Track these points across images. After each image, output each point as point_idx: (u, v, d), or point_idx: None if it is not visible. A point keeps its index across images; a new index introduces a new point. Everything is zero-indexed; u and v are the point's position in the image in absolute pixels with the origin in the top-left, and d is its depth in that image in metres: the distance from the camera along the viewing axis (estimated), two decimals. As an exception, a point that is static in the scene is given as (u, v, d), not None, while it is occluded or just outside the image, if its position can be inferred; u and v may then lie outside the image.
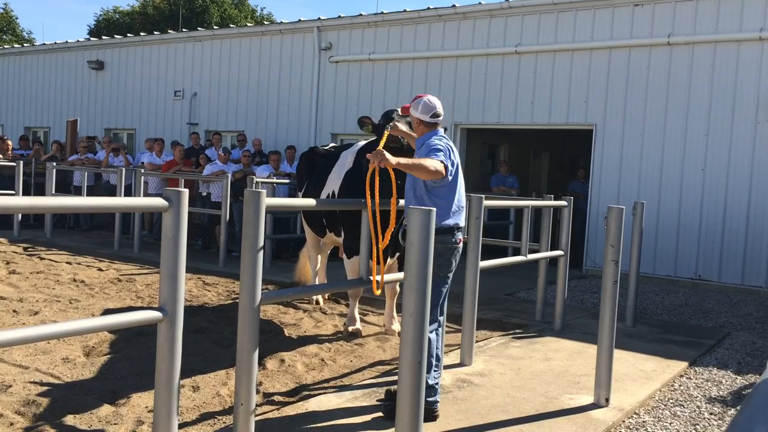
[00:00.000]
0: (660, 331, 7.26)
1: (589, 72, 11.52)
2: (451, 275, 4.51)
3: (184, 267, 3.09)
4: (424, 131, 4.58)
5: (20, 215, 12.37)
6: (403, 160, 4.21)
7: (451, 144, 4.55)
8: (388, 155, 4.16)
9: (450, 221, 4.42)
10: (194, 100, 16.48)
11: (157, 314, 3.03)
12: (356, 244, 5.34)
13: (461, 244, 4.53)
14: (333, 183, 6.68)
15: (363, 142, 6.61)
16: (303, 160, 7.94)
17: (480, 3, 12.46)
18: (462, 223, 4.53)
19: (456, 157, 4.49)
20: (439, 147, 4.35)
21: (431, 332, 4.30)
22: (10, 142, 14.96)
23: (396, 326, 6.55)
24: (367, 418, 4.25)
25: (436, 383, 4.33)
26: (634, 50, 11.15)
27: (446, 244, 4.36)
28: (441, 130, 4.62)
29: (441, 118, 4.60)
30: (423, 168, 4.19)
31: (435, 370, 4.36)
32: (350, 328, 6.55)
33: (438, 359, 4.46)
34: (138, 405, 4.39)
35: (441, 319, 4.55)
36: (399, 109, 5.28)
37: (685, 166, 10.74)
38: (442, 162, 4.25)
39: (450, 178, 4.37)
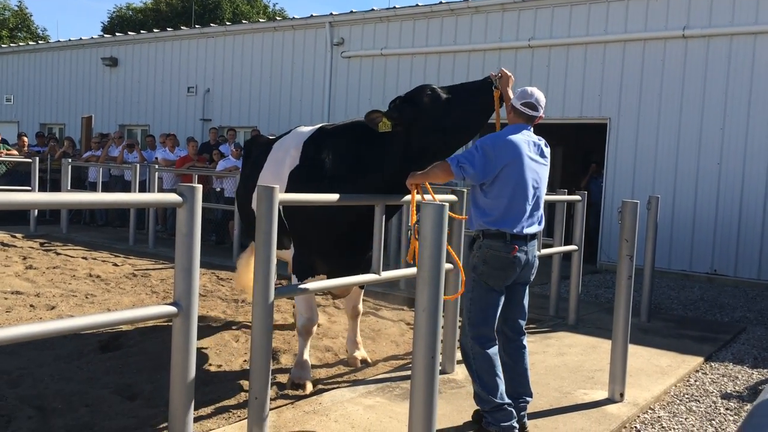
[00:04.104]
0: (675, 326, 7.21)
1: (603, 65, 11.44)
2: (505, 290, 4.04)
3: (199, 262, 3.11)
4: (511, 121, 4.07)
5: (36, 211, 12.50)
6: (419, 174, 4.15)
7: (515, 145, 3.91)
8: (411, 177, 4.16)
9: (498, 226, 3.87)
10: (207, 96, 16.55)
11: (172, 309, 3.05)
12: (312, 261, 4.74)
13: (521, 255, 3.92)
14: (269, 183, 5.37)
15: (307, 128, 5.10)
16: (244, 151, 6.69)
17: (493, -3, 12.42)
18: (520, 230, 3.89)
19: (511, 159, 3.89)
20: (473, 149, 3.89)
21: (487, 349, 3.93)
22: (26, 139, 15.10)
23: (360, 353, 5.47)
24: (381, 412, 4.26)
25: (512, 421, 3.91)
26: (648, 43, 11.06)
27: (494, 250, 3.88)
28: (528, 128, 4.02)
29: (535, 112, 3.98)
30: (431, 176, 4.09)
31: (520, 406, 4.04)
32: (296, 380, 4.76)
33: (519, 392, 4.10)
34: (154, 399, 4.43)
35: (511, 334, 4.16)
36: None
37: (701, 160, 10.64)
38: (455, 164, 3.90)
39: (467, 180, 3.93)
